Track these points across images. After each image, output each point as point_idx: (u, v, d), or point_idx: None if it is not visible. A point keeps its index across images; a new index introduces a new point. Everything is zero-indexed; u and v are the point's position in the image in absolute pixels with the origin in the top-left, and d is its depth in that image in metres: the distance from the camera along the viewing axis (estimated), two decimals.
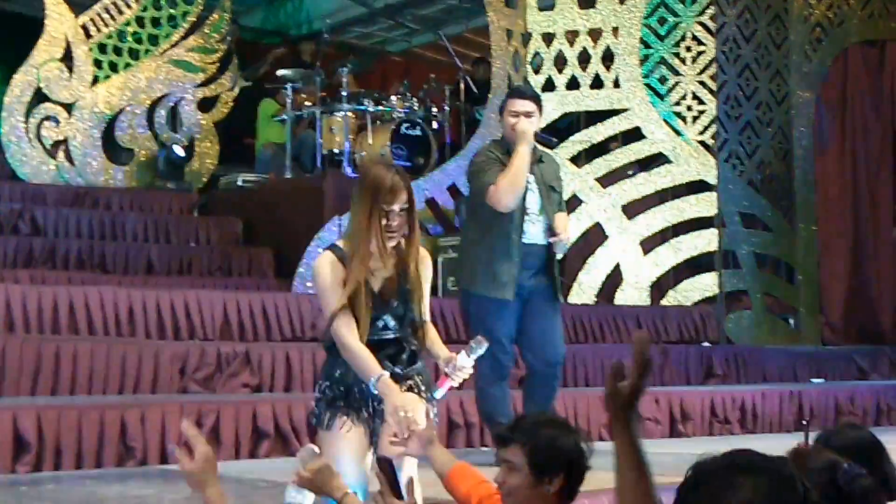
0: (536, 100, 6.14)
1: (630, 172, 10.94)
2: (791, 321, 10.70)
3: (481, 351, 3.94)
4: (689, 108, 10.52)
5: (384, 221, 3.92)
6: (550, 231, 6.02)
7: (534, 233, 6.01)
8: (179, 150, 11.49)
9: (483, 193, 5.88)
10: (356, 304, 3.92)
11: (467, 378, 3.97)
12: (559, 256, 6.27)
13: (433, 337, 4.12)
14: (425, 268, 4.10)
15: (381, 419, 3.92)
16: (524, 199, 5.93)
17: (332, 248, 4.06)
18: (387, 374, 3.86)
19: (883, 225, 11.34)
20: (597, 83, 10.65)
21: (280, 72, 11.81)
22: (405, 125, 10.87)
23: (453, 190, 10.22)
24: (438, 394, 3.99)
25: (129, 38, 11.61)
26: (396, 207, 3.93)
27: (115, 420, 5.90)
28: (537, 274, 6.03)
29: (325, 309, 3.99)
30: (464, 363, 3.92)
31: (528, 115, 5.97)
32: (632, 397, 2.22)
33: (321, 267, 4.01)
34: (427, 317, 4.10)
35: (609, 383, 2.24)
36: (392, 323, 4.01)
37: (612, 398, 2.22)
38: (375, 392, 3.86)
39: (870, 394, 9.39)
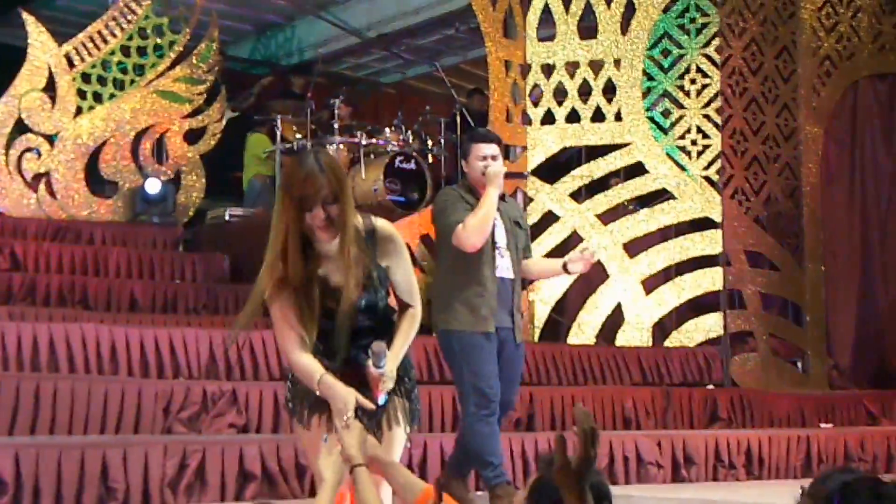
0: (500, 143, 6.25)
1: (631, 208, 10.68)
2: (798, 364, 10.42)
3: (385, 357, 3.70)
4: (694, 143, 10.31)
5: (306, 216, 3.69)
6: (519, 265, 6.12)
7: (503, 267, 6.04)
8: (153, 187, 11.20)
9: (450, 233, 5.90)
10: (304, 306, 3.71)
11: (390, 386, 3.77)
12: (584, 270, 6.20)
13: (401, 328, 3.91)
14: (392, 249, 3.89)
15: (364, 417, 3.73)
16: (493, 233, 5.98)
17: None
18: (326, 374, 3.68)
19: (893, 265, 11.08)
20: (598, 116, 10.44)
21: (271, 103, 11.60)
22: (399, 159, 10.67)
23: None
24: (381, 401, 3.76)
25: (114, 68, 11.49)
26: (316, 199, 3.67)
27: (96, 460, 5.78)
28: (506, 310, 6.03)
29: (274, 325, 3.80)
30: (376, 374, 3.71)
31: (494, 158, 6.03)
32: (580, 468, 2.29)
33: (261, 279, 3.79)
34: (410, 299, 3.93)
35: (557, 458, 2.31)
36: (363, 319, 3.79)
37: (561, 472, 2.28)
38: (319, 394, 3.69)
39: (881, 439, 9.21)
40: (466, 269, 5.94)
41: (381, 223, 3.88)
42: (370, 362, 3.69)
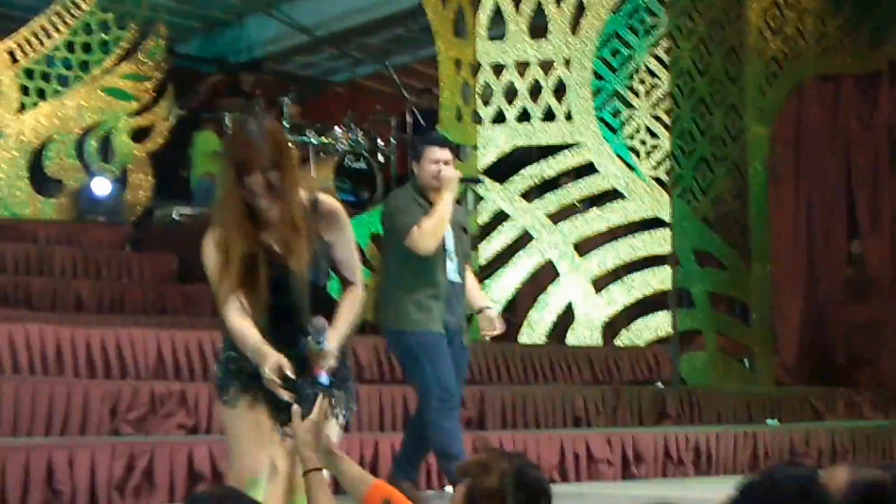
0: (453, 147, 6.31)
1: (582, 208, 10.72)
2: (746, 362, 10.48)
3: (325, 332, 3.59)
4: (643, 143, 10.37)
5: (246, 181, 3.64)
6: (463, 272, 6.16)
7: (451, 271, 6.08)
8: (102, 188, 11.08)
9: (403, 234, 5.90)
10: (251, 280, 3.67)
11: (333, 365, 3.67)
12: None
13: (342, 306, 3.85)
14: (336, 224, 3.84)
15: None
16: (443, 238, 6.01)
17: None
18: (264, 342, 3.60)
19: (836, 265, 11.20)
20: (548, 116, 10.43)
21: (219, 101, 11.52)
22: (349, 158, 10.63)
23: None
24: (323, 380, 3.62)
25: (59, 64, 11.30)
26: (255, 165, 3.62)
27: (41, 462, 5.66)
28: (454, 313, 6.08)
29: (214, 290, 3.73)
30: (314, 350, 3.59)
31: (446, 163, 6.04)
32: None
33: (205, 248, 3.76)
34: (354, 277, 3.89)
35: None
36: (302, 292, 3.73)
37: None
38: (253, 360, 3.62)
39: (826, 435, 9.26)
40: (419, 272, 5.95)
41: (324, 197, 3.85)
42: (309, 339, 3.58)
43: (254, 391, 3.72)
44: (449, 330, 6.01)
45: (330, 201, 3.85)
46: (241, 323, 3.65)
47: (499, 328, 6.21)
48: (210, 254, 3.71)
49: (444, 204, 5.92)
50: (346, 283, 3.89)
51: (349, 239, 3.89)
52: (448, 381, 5.93)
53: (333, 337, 3.66)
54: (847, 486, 2.83)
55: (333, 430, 3.72)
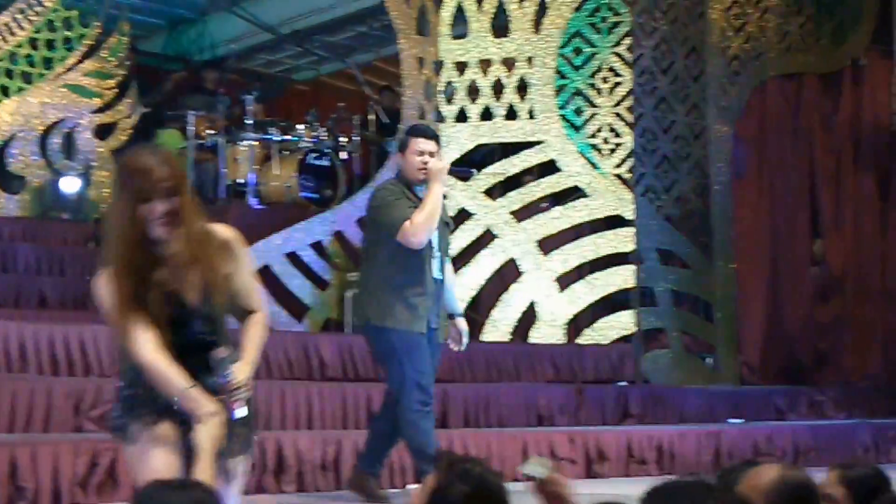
0: (438, 139, 6.24)
1: (545, 206, 10.73)
2: (709, 360, 10.51)
3: (226, 364, 3.51)
4: (606, 141, 10.38)
5: (144, 210, 3.47)
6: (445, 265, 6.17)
7: (434, 268, 6.08)
8: (70, 186, 11.02)
9: (394, 229, 5.86)
10: (152, 313, 3.50)
11: (244, 397, 3.58)
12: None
13: (249, 334, 3.74)
14: (231, 254, 3.66)
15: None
16: None
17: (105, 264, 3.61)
18: (192, 387, 3.46)
19: (800, 263, 11.24)
20: (511, 114, 10.44)
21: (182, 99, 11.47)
22: (312, 155, 10.65)
23: (363, 223, 9.90)
24: (240, 413, 3.57)
25: (22, 61, 11.22)
26: (154, 194, 3.46)
27: (4, 460, 5.63)
28: (435, 310, 6.09)
29: (114, 326, 3.56)
30: (221, 385, 3.52)
31: (432, 154, 6.03)
32: None
33: (99, 288, 3.56)
34: (256, 305, 3.77)
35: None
36: (202, 327, 3.60)
37: None
38: (180, 408, 3.48)
39: (788, 434, 9.30)
40: (406, 269, 5.93)
41: (219, 227, 3.69)
42: (216, 376, 3.51)
43: (153, 417, 3.57)
44: (429, 328, 6.01)
45: (223, 231, 3.70)
46: (161, 360, 3.48)
47: (463, 345, 6.31)
48: (105, 295, 3.53)
49: (435, 196, 5.89)
50: (247, 313, 3.76)
51: (246, 269, 3.74)
52: (428, 383, 5.95)
53: (244, 367, 3.58)
54: (773, 485, 2.90)
55: (241, 468, 3.69)
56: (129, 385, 3.63)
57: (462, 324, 6.33)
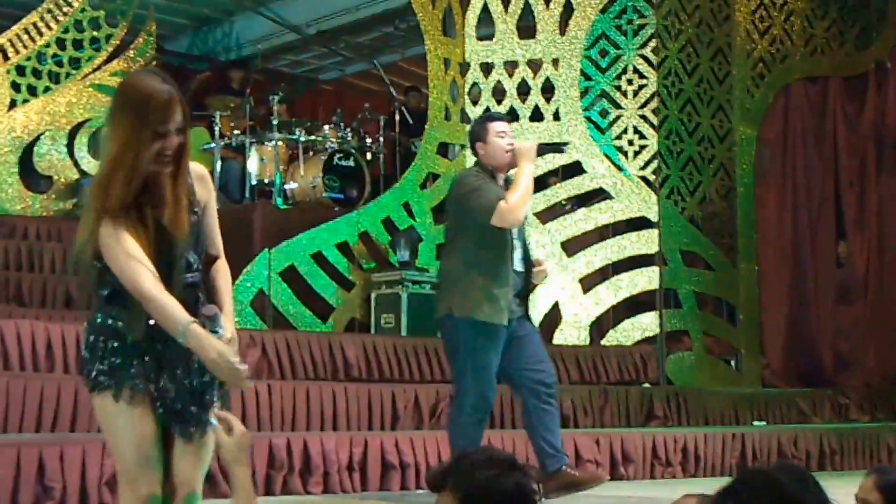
0: (510, 123, 6.16)
1: (569, 207, 10.72)
2: (732, 362, 10.51)
3: (219, 319, 3.31)
4: (631, 143, 10.34)
5: (159, 144, 3.27)
6: (528, 259, 6.00)
7: (516, 259, 5.94)
8: None
9: (487, 211, 5.71)
10: (150, 246, 3.27)
11: (236, 350, 3.40)
12: (538, 283, 6.24)
13: (221, 285, 3.54)
14: (207, 189, 3.50)
15: (175, 382, 3.33)
16: None
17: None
18: (195, 321, 3.20)
19: (823, 266, 11.22)
20: (536, 115, 10.44)
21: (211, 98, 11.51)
22: (338, 156, 10.65)
23: (388, 223, 9.95)
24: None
25: (49, 61, 11.28)
26: (172, 127, 3.28)
27: (32, 459, 5.63)
28: (519, 301, 5.96)
29: (115, 260, 3.25)
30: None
31: (511, 135, 5.96)
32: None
33: (104, 230, 3.28)
34: (219, 250, 3.56)
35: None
36: (194, 260, 3.42)
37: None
38: (183, 343, 3.18)
39: (813, 437, 9.28)
40: (488, 260, 5.82)
41: (193, 164, 3.49)
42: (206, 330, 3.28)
43: (131, 375, 3.33)
44: (511, 321, 5.88)
45: (199, 167, 3.51)
46: (164, 294, 3.21)
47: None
48: (109, 234, 3.26)
49: (526, 173, 5.74)
50: (211, 259, 3.54)
51: (214, 209, 3.54)
52: (489, 388, 5.82)
53: (228, 322, 3.40)
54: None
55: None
56: (104, 336, 3.36)
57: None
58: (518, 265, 5.95)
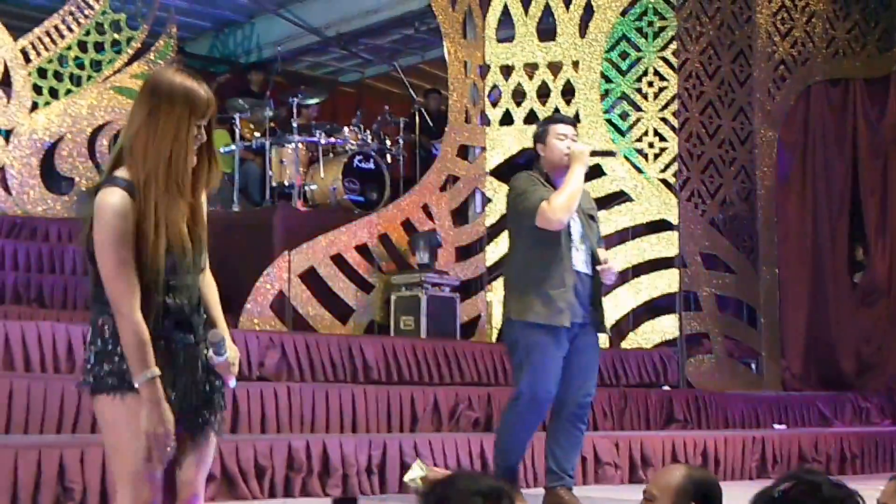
0: (575, 126, 6.11)
1: None
2: (753, 365, 10.47)
3: (224, 343, 3.33)
4: (651, 146, 10.32)
5: (195, 144, 3.25)
6: (594, 259, 5.91)
7: (578, 261, 5.86)
8: None
9: (533, 212, 5.70)
10: (162, 258, 3.21)
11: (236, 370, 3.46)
12: (608, 283, 6.13)
13: (212, 300, 3.45)
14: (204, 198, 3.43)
15: (183, 384, 3.32)
16: (567, 225, 5.79)
17: (115, 181, 3.21)
18: (158, 376, 3.17)
19: (843, 269, 11.17)
20: None
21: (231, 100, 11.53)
22: (358, 158, 10.65)
23: (407, 225, 9.95)
24: (233, 384, 3.46)
25: (71, 64, 11.33)
26: (204, 123, 3.27)
27: (53, 460, 5.63)
28: (583, 304, 5.87)
29: (108, 264, 3.17)
30: (221, 362, 3.36)
31: (572, 139, 5.92)
32: None
33: (110, 208, 3.16)
34: (207, 263, 3.45)
35: None
36: (198, 261, 3.36)
37: None
38: (136, 386, 3.17)
39: (834, 440, 9.24)
40: (542, 261, 5.76)
41: None
42: (210, 353, 3.33)
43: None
44: (574, 324, 5.81)
45: None
46: (145, 330, 3.19)
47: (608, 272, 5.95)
48: (115, 219, 3.16)
49: (575, 176, 5.71)
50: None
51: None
52: (544, 390, 5.74)
53: (229, 341, 3.38)
54: (680, 482, 3.03)
55: (213, 443, 3.46)
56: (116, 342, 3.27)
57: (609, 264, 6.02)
58: (582, 267, 5.86)
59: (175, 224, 3.23)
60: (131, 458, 3.25)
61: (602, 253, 5.98)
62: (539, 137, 6.01)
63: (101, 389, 3.28)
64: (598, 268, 5.89)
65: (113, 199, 3.17)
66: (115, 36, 11.52)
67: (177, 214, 3.24)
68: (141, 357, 3.17)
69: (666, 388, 9.80)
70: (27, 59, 11.07)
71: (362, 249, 9.64)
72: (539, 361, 5.73)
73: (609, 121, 10.41)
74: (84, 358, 3.40)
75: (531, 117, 10.46)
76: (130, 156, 3.23)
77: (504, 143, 10.50)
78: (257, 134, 11.14)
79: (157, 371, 3.19)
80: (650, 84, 10.37)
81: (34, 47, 11.13)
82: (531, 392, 5.73)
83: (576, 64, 10.47)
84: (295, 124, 10.79)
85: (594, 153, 6.11)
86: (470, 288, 10.25)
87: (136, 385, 3.18)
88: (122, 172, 3.24)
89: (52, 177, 11.15)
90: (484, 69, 10.56)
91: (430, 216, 10.07)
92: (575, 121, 6.16)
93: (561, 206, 5.64)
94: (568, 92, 10.48)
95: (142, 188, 3.19)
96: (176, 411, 3.27)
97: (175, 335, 3.30)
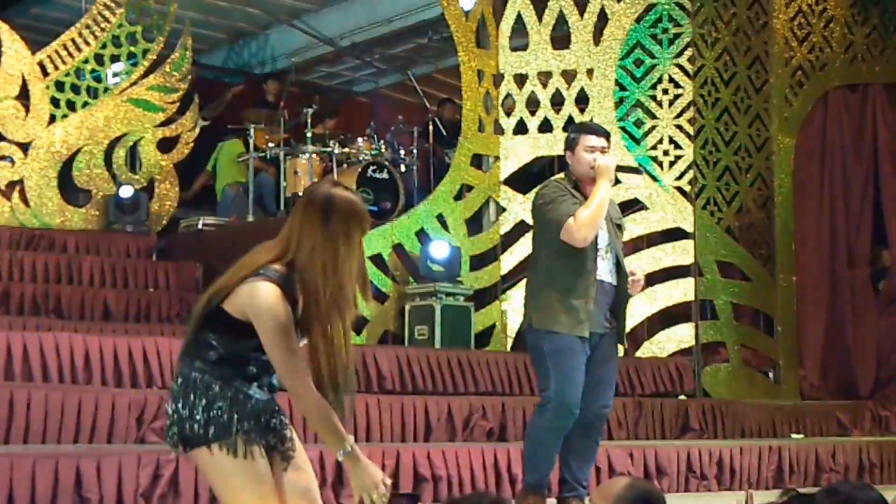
0: (608, 137, 6.09)
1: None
2: (770, 374, 10.41)
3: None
4: (666, 153, 10.27)
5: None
6: (619, 268, 5.91)
7: (603, 270, 5.86)
8: (125, 192, 11.17)
9: (558, 226, 5.70)
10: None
11: None
12: (634, 294, 6.14)
13: None
14: None
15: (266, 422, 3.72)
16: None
17: (269, 277, 3.60)
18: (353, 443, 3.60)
19: (860, 277, 11.09)
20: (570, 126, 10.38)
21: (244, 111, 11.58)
22: (372, 168, 10.66)
23: (422, 236, 9.95)
24: None
25: (88, 76, 11.37)
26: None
27: (70, 470, 5.68)
28: (606, 314, 5.88)
29: (280, 351, 3.58)
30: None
31: (603, 151, 5.88)
32: None
33: (275, 303, 3.56)
34: None
35: None
36: None
37: None
38: (340, 458, 3.60)
39: (852, 449, 9.17)
40: (567, 270, 5.75)
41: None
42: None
43: (262, 437, 3.73)
44: (594, 334, 5.81)
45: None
46: (332, 413, 3.61)
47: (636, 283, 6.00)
48: (281, 311, 3.57)
49: (601, 191, 5.70)
50: None
51: None
52: (573, 397, 5.73)
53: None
54: (622, 493, 3.07)
55: None
56: (240, 411, 3.67)
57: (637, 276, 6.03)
58: (606, 276, 5.85)
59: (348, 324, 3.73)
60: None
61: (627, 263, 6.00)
62: (568, 145, 6.00)
63: (201, 442, 3.62)
64: (632, 279, 5.92)
65: (272, 295, 3.54)
66: (131, 49, 11.60)
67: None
68: (333, 429, 3.58)
69: (682, 397, 9.75)
70: (45, 73, 11.16)
71: (376, 259, 9.63)
72: (567, 367, 5.72)
73: (624, 129, 10.36)
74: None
75: (545, 126, 10.46)
76: (306, 271, 3.57)
77: (518, 151, 10.48)
78: (271, 144, 11.16)
79: (351, 440, 3.59)
80: (665, 91, 10.30)
81: (52, 60, 11.22)
82: (560, 398, 5.71)
83: (590, 72, 10.43)
84: (309, 135, 10.80)
85: (619, 168, 6.10)
86: (484, 297, 10.23)
87: (339, 459, 3.60)
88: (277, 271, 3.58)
89: (69, 189, 11.23)
90: (498, 78, 10.55)
91: (444, 226, 10.06)
92: (606, 131, 6.08)
93: (586, 223, 5.64)
94: (582, 100, 10.44)
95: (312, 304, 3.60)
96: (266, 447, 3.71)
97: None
